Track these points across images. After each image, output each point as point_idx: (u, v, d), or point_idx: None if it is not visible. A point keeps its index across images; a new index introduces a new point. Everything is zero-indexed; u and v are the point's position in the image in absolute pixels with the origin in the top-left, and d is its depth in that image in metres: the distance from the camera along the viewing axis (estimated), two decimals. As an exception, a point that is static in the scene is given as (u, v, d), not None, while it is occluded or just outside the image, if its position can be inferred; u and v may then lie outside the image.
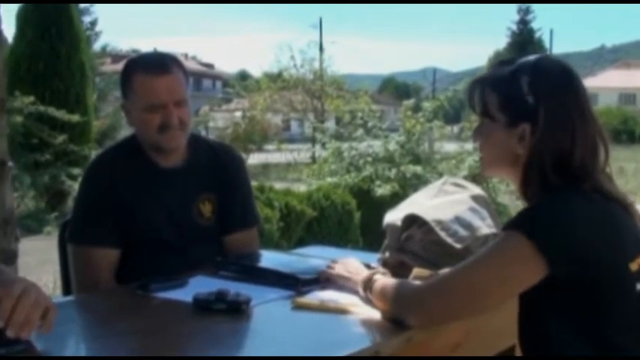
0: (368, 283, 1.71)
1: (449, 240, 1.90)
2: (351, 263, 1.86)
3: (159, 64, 2.18)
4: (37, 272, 5.59)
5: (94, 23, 26.70)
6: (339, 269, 1.86)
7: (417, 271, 1.84)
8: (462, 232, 1.93)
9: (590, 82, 52.64)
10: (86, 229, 2.19)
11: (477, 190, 2.14)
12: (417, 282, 1.69)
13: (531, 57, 1.59)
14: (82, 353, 1.55)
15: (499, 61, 1.67)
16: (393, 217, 2.05)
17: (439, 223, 1.93)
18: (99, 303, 1.94)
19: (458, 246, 1.89)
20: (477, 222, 1.97)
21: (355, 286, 1.77)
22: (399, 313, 1.58)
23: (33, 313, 1.34)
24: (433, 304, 1.54)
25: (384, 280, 1.69)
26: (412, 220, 1.98)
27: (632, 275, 1.48)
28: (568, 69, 1.59)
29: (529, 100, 1.52)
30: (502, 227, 1.55)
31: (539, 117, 1.51)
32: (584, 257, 1.45)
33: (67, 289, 2.40)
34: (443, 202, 2.03)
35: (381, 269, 1.82)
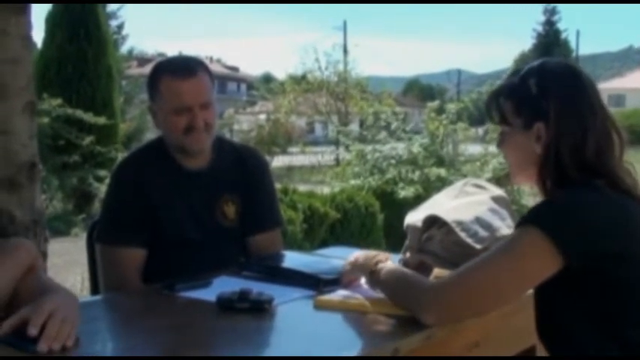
0: (372, 277, 1.75)
1: (469, 240, 1.92)
2: (361, 256, 1.86)
3: (185, 67, 2.23)
4: (65, 273, 5.69)
5: (120, 27, 26.98)
6: (352, 266, 1.88)
7: (437, 271, 1.86)
8: (482, 232, 1.95)
9: (617, 84, 52.23)
10: (114, 229, 2.25)
11: (497, 191, 2.15)
12: (431, 279, 1.72)
13: (536, 61, 1.68)
14: (108, 351, 1.59)
15: (511, 72, 1.75)
16: (414, 218, 2.07)
17: (459, 223, 1.95)
18: (125, 302, 1.99)
19: (478, 246, 1.91)
20: (497, 222, 1.99)
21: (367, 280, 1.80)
22: (415, 311, 1.60)
23: (62, 329, 1.42)
24: (450, 300, 1.56)
25: (391, 273, 1.71)
26: (433, 221, 2.00)
27: None
28: (572, 67, 1.66)
29: (538, 99, 1.58)
30: (517, 222, 1.58)
31: (550, 113, 1.56)
32: (597, 250, 1.47)
33: (95, 289, 2.46)
34: (463, 203, 2.05)
35: (382, 255, 1.82)
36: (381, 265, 1.76)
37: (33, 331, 1.38)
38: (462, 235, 1.93)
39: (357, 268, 1.84)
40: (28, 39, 3.09)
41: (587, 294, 1.49)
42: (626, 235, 1.51)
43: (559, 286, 1.50)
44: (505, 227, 1.99)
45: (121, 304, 1.97)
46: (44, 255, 3.07)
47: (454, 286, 1.57)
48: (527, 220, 1.53)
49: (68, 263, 6.15)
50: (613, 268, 1.48)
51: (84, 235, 2.56)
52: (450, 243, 1.95)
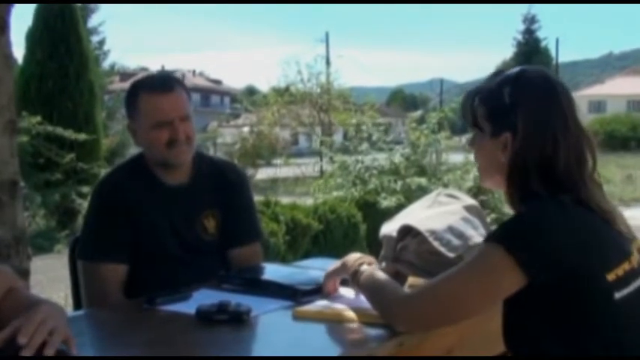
0: (355, 277, 1.81)
1: (442, 249, 1.98)
2: (349, 258, 1.92)
3: (162, 83, 2.28)
4: (49, 290, 5.68)
5: (102, 43, 26.91)
6: (335, 265, 1.94)
7: (411, 280, 1.92)
8: (455, 241, 2.00)
9: (598, 90, 52.72)
10: (95, 245, 2.28)
11: (470, 200, 2.21)
12: (405, 289, 1.77)
13: (516, 68, 1.68)
14: (92, 365, 1.62)
15: (493, 72, 1.74)
16: (389, 228, 2.13)
17: (432, 233, 2.00)
18: (108, 317, 2.01)
19: (451, 255, 1.96)
20: (469, 231, 2.05)
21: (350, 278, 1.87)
22: (387, 319, 1.66)
23: (50, 339, 1.43)
24: (419, 310, 1.61)
25: (370, 277, 1.77)
26: (407, 231, 2.05)
27: (608, 285, 1.53)
28: (550, 78, 1.65)
29: (509, 109, 1.60)
30: (485, 237, 1.63)
31: (519, 125, 1.58)
32: (560, 268, 1.51)
33: (77, 305, 2.48)
34: (437, 212, 2.11)
35: (367, 258, 1.88)
36: (363, 268, 1.82)
37: (23, 340, 1.40)
38: (435, 244, 1.98)
39: (342, 268, 1.90)
40: (8, 58, 3.13)
41: (551, 308, 1.53)
42: (589, 251, 1.54)
43: (524, 299, 1.54)
44: (477, 236, 2.04)
45: (103, 319, 2.00)
46: (26, 272, 3.10)
47: (423, 297, 1.62)
48: (493, 237, 1.57)
49: (52, 280, 6.14)
50: (576, 284, 1.52)
51: (67, 252, 2.59)
52: (424, 252, 2.00)
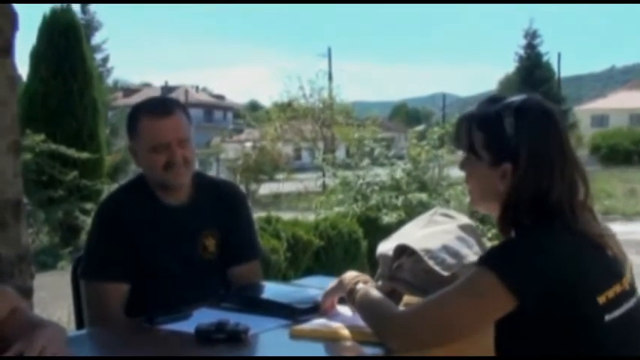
0: (351, 295, 1.86)
1: (437, 268, 2.01)
2: (346, 277, 1.96)
3: (162, 107, 2.32)
4: (52, 307, 5.71)
5: (105, 60, 27.14)
6: (332, 284, 1.98)
7: (407, 298, 1.96)
8: (450, 260, 2.03)
9: (600, 104, 52.75)
10: (97, 265, 2.31)
11: (465, 219, 2.24)
12: (401, 307, 1.80)
13: (516, 98, 1.68)
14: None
15: (488, 97, 1.76)
16: (385, 247, 2.16)
17: (427, 252, 2.04)
18: (109, 336, 2.06)
19: (445, 274, 2.00)
20: (464, 250, 2.08)
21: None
22: (381, 337, 1.71)
23: None
24: (411, 331, 1.65)
25: (365, 296, 1.81)
26: (402, 250, 2.09)
27: (599, 308, 1.57)
28: (550, 110, 1.68)
29: (512, 141, 1.62)
30: (477, 261, 1.67)
31: (521, 158, 1.61)
32: (550, 292, 1.54)
33: (80, 323, 2.52)
34: (432, 232, 2.14)
35: (363, 277, 1.93)
36: (359, 286, 1.86)
37: None
38: (430, 262, 2.01)
39: (339, 286, 1.93)
40: (12, 80, 3.18)
41: (542, 330, 1.57)
42: (579, 275, 1.57)
43: (515, 322, 1.58)
44: (472, 254, 2.07)
45: (104, 338, 2.04)
46: (30, 291, 3.13)
47: (416, 317, 1.67)
48: (483, 262, 1.62)
49: (55, 297, 6.15)
50: (566, 308, 1.55)
51: (70, 269, 2.62)
52: (420, 270, 2.03)
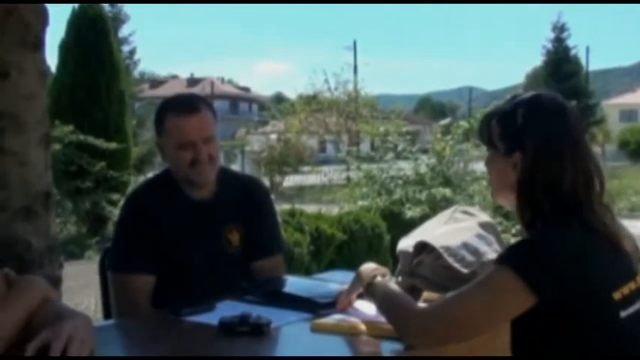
0: (369, 289, 1.89)
1: (456, 265, 2.04)
2: (364, 270, 1.99)
3: (189, 105, 2.37)
4: (79, 296, 5.83)
5: (132, 52, 27.37)
6: (350, 281, 2.02)
7: (426, 294, 2.00)
8: (469, 257, 2.06)
9: (629, 99, 51.98)
10: (125, 257, 2.38)
11: (485, 217, 2.27)
12: (420, 303, 1.84)
13: (531, 92, 1.76)
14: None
15: (510, 96, 1.82)
16: (406, 244, 2.19)
17: (447, 249, 2.07)
18: (135, 327, 2.12)
19: (465, 271, 2.02)
20: (483, 247, 2.10)
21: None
22: (399, 332, 1.74)
23: (81, 352, 1.55)
24: (431, 327, 1.68)
25: (384, 290, 1.85)
26: (422, 247, 2.12)
27: (615, 304, 1.60)
28: (562, 104, 1.73)
29: (521, 130, 1.68)
30: (496, 259, 1.70)
31: (529, 147, 1.66)
32: (567, 288, 1.58)
33: (107, 313, 2.58)
34: (452, 229, 2.17)
35: (381, 270, 1.96)
36: (378, 280, 1.90)
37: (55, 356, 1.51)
38: (450, 260, 2.04)
39: (357, 281, 1.97)
40: (43, 74, 3.25)
41: (559, 326, 1.60)
42: (595, 272, 1.61)
43: (533, 318, 1.61)
44: (491, 252, 2.10)
45: (130, 329, 2.10)
46: (59, 280, 3.20)
47: (435, 314, 1.70)
48: (502, 259, 1.65)
49: (82, 286, 6.29)
50: (583, 303, 1.59)
51: (97, 258, 2.68)
52: (439, 267, 2.06)
